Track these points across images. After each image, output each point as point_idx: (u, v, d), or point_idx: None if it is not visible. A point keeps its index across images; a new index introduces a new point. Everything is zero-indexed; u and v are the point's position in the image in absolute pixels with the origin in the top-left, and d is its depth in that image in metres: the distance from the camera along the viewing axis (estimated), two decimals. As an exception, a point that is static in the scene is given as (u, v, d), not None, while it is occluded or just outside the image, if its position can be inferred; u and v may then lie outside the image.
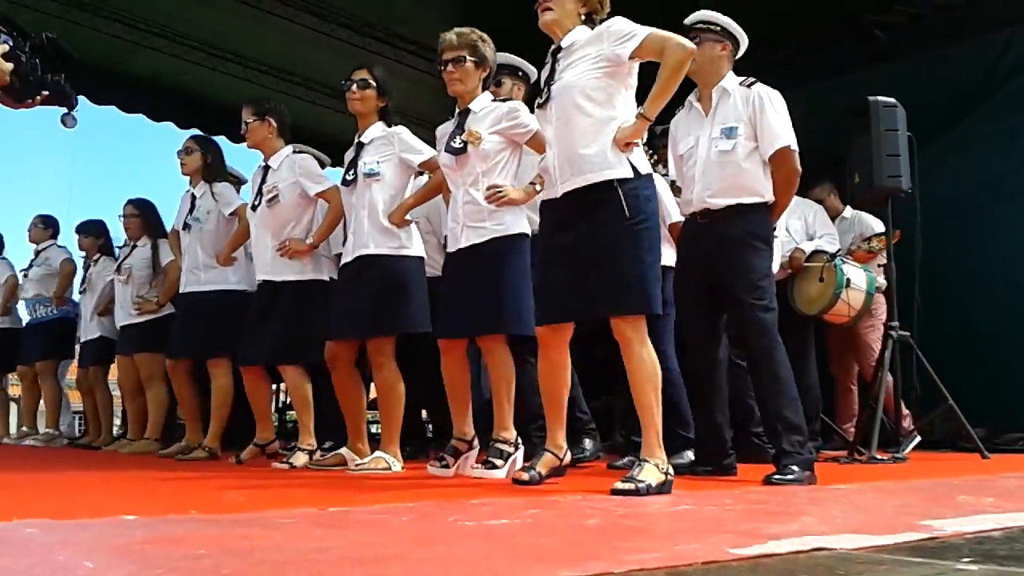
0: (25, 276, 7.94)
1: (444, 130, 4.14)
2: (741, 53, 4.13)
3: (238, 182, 6.01)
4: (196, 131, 7.59)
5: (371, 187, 4.33)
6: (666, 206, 4.63)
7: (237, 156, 7.49)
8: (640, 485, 2.93)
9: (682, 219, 4.31)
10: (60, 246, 7.98)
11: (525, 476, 3.35)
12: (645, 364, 3.14)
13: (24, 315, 8.10)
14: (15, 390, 9.81)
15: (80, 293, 7.52)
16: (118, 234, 7.46)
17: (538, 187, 3.99)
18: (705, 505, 2.75)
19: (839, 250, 5.65)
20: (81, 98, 3.57)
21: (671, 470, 3.09)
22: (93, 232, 7.44)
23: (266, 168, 4.89)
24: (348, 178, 4.43)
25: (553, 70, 3.37)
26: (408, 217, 4.35)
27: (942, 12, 7.16)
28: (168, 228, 6.11)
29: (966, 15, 6.98)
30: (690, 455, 4.26)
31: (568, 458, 3.52)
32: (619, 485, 2.95)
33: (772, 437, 3.80)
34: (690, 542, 1.88)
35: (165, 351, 5.85)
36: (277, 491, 3.33)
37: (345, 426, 4.61)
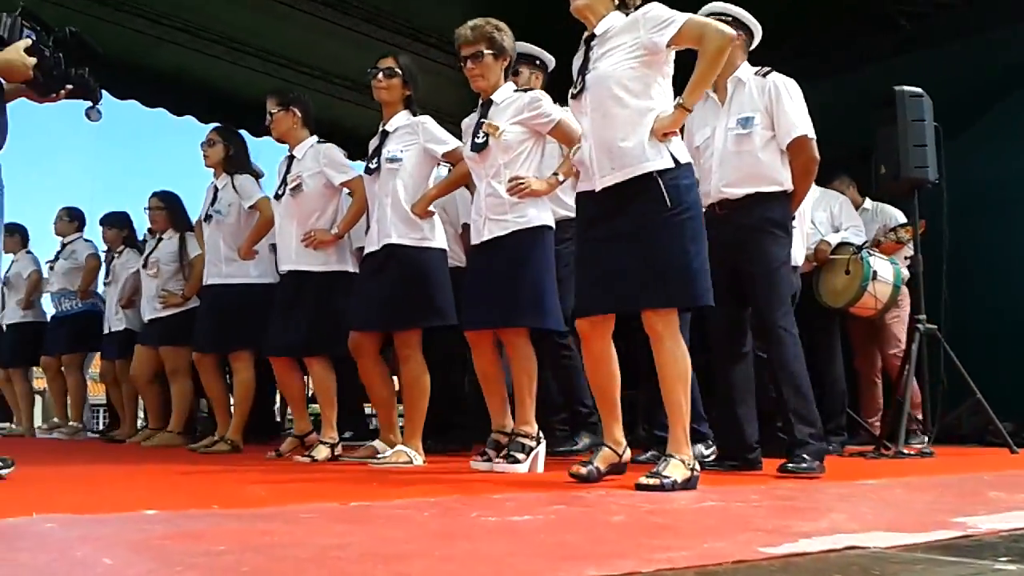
0: (51, 269, 7.98)
1: (469, 122, 4.10)
2: (755, 44, 4.08)
3: (257, 176, 6.00)
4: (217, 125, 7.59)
5: (394, 176, 4.30)
6: None
7: (258, 149, 7.47)
8: (665, 481, 2.89)
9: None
10: (87, 240, 8.00)
11: (583, 471, 3.16)
12: (676, 359, 3.08)
13: (49, 308, 8.15)
14: (39, 383, 9.88)
15: (104, 285, 7.55)
16: (142, 226, 7.50)
17: (560, 177, 3.96)
18: (732, 501, 2.70)
19: (865, 242, 5.57)
20: (104, 92, 3.56)
21: (697, 466, 3.04)
22: (117, 224, 7.47)
23: (291, 158, 4.87)
24: (372, 166, 4.40)
25: (587, 58, 3.28)
26: (430, 208, 4.31)
27: (969, 1, 7.05)
28: (194, 221, 6.12)
29: (994, 4, 6.87)
30: (701, 448, 4.21)
31: (628, 455, 3.38)
32: (644, 480, 2.91)
33: (785, 426, 3.81)
34: (718, 540, 1.84)
35: (190, 344, 5.86)
36: (299, 485, 3.31)
37: (360, 419, 4.58)
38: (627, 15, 3.25)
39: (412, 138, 4.33)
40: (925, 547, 1.83)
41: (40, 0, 6.72)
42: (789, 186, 3.91)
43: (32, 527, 1.94)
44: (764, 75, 3.96)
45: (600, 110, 3.19)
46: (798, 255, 4.57)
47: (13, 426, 8.55)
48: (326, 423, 4.75)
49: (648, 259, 3.07)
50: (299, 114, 4.87)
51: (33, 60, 3.18)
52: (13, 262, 8.30)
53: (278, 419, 8.08)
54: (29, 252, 8.37)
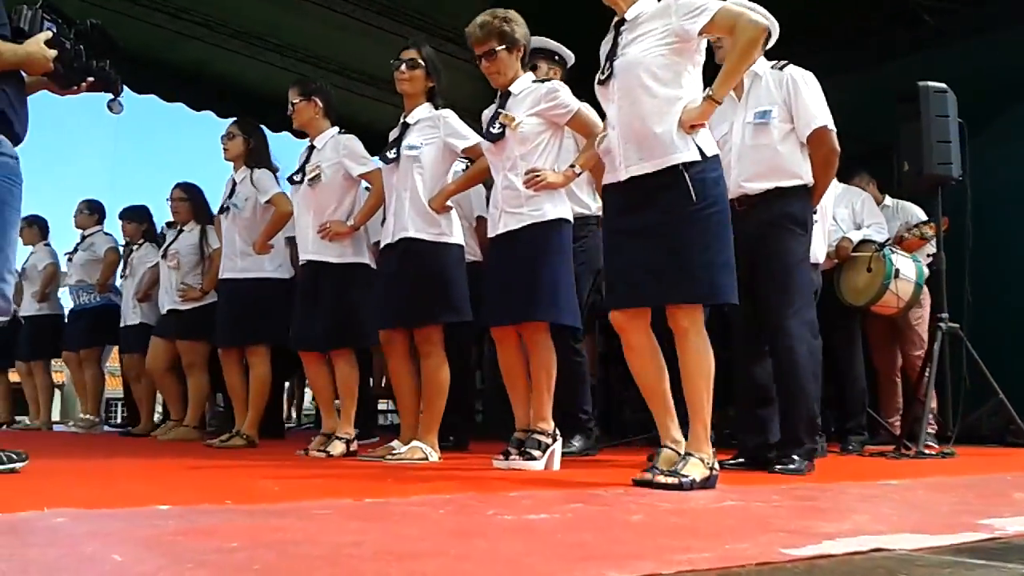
0: (69, 261, 8.00)
1: (488, 114, 4.07)
2: (773, 40, 4.03)
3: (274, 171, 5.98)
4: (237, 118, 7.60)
5: (413, 169, 4.27)
6: None
7: (276, 145, 7.47)
8: (684, 480, 2.84)
9: None
10: (106, 233, 8.03)
11: (647, 476, 2.91)
12: (700, 356, 3.01)
13: (67, 300, 8.17)
14: (58, 376, 9.92)
15: (122, 279, 7.57)
16: (161, 220, 7.51)
17: (578, 169, 3.91)
18: (752, 501, 2.66)
19: (888, 239, 5.50)
20: (124, 86, 3.56)
21: (716, 464, 2.99)
22: (136, 218, 7.48)
23: (311, 148, 4.85)
24: (390, 156, 4.37)
25: (616, 44, 3.20)
26: (448, 203, 4.28)
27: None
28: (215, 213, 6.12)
29: (1018, -1, 6.79)
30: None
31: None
32: (662, 479, 2.86)
33: (782, 422, 3.79)
34: (740, 541, 1.80)
35: (207, 339, 5.86)
36: (314, 481, 3.29)
37: (368, 415, 4.55)
38: (659, 1, 3.16)
39: (433, 131, 4.30)
40: (952, 550, 1.79)
41: (60, -6, 6.83)
42: (809, 179, 3.86)
43: (42, 521, 1.92)
44: (781, 68, 3.93)
45: (628, 97, 3.11)
46: (819, 252, 4.52)
47: (28, 420, 8.57)
48: (344, 418, 4.71)
49: (672, 254, 3.00)
50: (321, 104, 4.84)
51: (54, 52, 3.18)
52: (31, 254, 8.34)
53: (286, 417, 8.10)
54: (47, 244, 8.40)
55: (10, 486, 2.70)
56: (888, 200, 6.23)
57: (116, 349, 7.87)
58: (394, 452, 4.23)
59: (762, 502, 2.63)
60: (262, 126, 5.89)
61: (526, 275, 3.80)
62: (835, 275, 5.36)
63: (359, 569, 1.45)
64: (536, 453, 3.77)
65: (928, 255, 5.65)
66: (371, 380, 7.02)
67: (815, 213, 4.01)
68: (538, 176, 3.78)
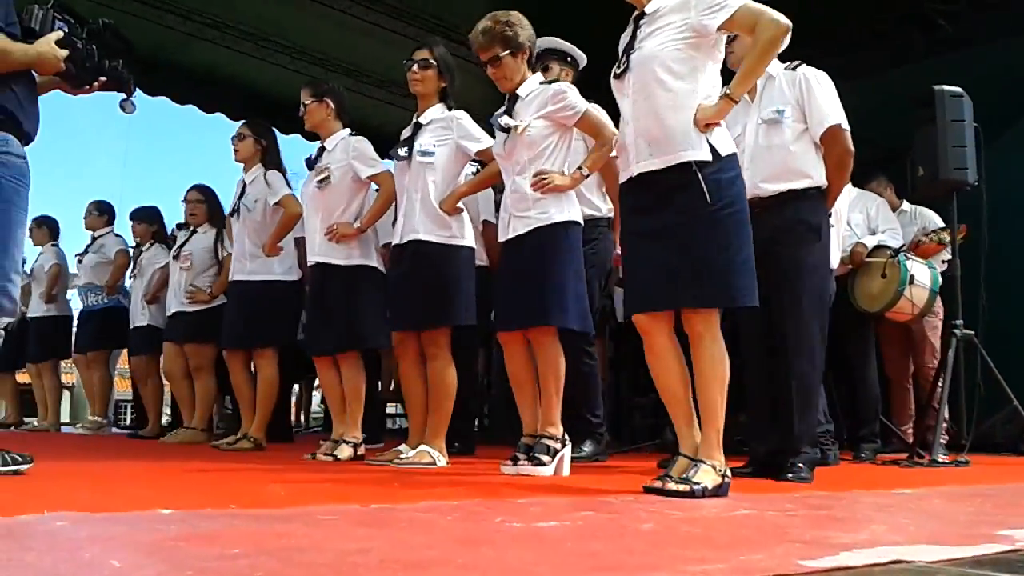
0: (79, 262, 8.00)
1: (498, 117, 4.03)
2: (786, 43, 3.99)
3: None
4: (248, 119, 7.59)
5: (425, 171, 4.24)
6: None
7: (286, 147, 7.45)
8: (696, 487, 2.79)
9: None
10: (117, 234, 8.02)
11: (658, 484, 2.86)
12: (715, 361, 2.95)
13: (77, 302, 8.16)
14: (68, 378, 9.92)
15: (131, 279, 7.56)
16: (171, 222, 7.50)
17: (585, 171, 3.87)
18: (766, 510, 2.61)
19: (903, 245, 5.44)
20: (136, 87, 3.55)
21: (728, 472, 2.94)
22: (146, 219, 7.48)
23: (322, 149, 4.83)
24: (401, 154, 4.34)
25: (634, 37, 3.14)
26: (459, 205, 4.25)
27: (1006, 1, 6.91)
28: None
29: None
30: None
31: None
32: (673, 486, 2.81)
33: (788, 431, 3.75)
34: (755, 552, 1.75)
35: (214, 342, 5.83)
36: (320, 485, 3.25)
37: (375, 419, 4.53)
38: None
39: (446, 133, 4.27)
40: (972, 562, 1.74)
41: (71, -4, 6.82)
42: (823, 181, 3.82)
43: (42, 525, 1.88)
44: (794, 68, 3.90)
45: (643, 92, 3.05)
46: (833, 258, 4.46)
47: (37, 422, 8.57)
48: (352, 422, 4.69)
49: (688, 257, 2.94)
50: (332, 106, 4.82)
51: (64, 52, 3.17)
52: (40, 255, 8.34)
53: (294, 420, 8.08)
54: (55, 245, 8.40)
55: (13, 488, 2.67)
56: (906, 205, 6.17)
57: (125, 351, 7.86)
58: (402, 456, 4.20)
59: (776, 511, 2.58)
60: (273, 128, 5.86)
61: (532, 279, 3.77)
62: (849, 281, 5.31)
63: (363, 578, 1.41)
64: (545, 459, 3.73)
65: (943, 261, 5.59)
66: (379, 384, 6.99)
67: (830, 217, 3.96)
68: (545, 179, 3.75)
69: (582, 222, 3.93)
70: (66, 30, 3.23)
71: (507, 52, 3.87)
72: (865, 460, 5.13)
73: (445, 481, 3.43)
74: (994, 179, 5.38)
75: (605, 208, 4.77)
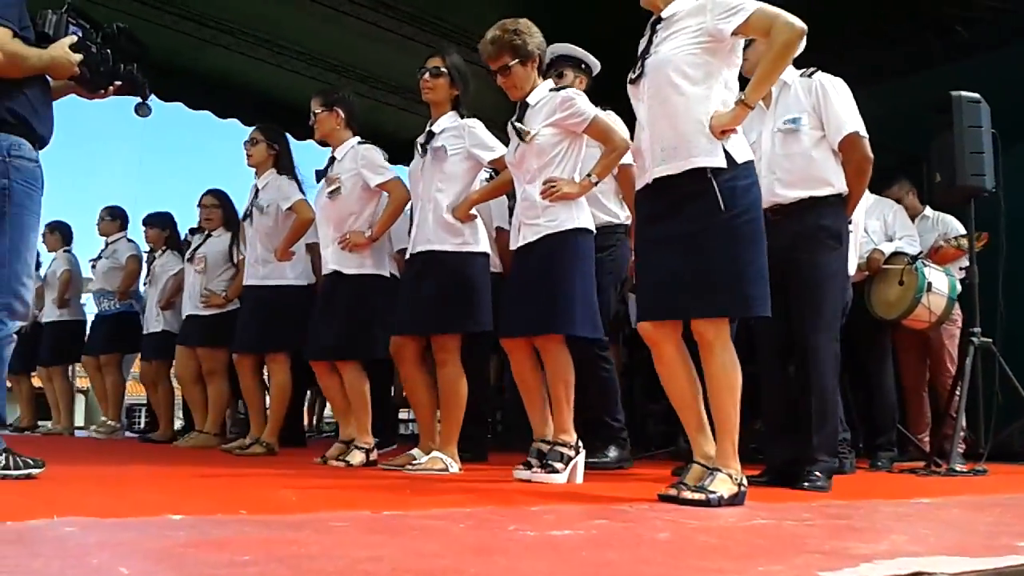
0: (93, 267, 8.02)
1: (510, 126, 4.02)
2: (802, 47, 3.95)
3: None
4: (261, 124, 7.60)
5: (436, 179, 4.22)
6: None
7: (302, 152, 7.46)
8: (711, 496, 2.75)
9: None
10: (130, 240, 8.03)
11: (672, 492, 2.84)
12: (726, 370, 2.91)
13: (92, 306, 8.19)
14: (83, 382, 9.94)
15: (145, 286, 7.57)
16: (184, 227, 7.51)
17: (594, 179, 3.84)
18: (783, 519, 2.57)
19: (920, 252, 5.39)
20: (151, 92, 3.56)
21: (745, 481, 2.90)
22: (159, 224, 7.49)
23: (332, 159, 4.81)
24: (415, 163, 4.36)
25: (650, 42, 3.11)
26: (472, 212, 4.23)
27: (1027, 5, 6.84)
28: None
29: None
30: None
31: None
32: (688, 495, 2.77)
33: (807, 439, 3.70)
34: (773, 563, 1.72)
35: (227, 346, 5.83)
36: (331, 491, 3.23)
37: (387, 423, 4.51)
38: None
39: (458, 141, 4.25)
40: (995, 574, 1.71)
41: (87, 1, 6.83)
42: (843, 188, 3.78)
43: (51, 531, 1.87)
44: (810, 75, 3.86)
45: (657, 97, 3.02)
46: (850, 265, 4.42)
47: (51, 425, 8.59)
48: (360, 428, 4.66)
49: (700, 265, 2.91)
50: (343, 115, 4.80)
51: (79, 56, 3.17)
52: (53, 260, 8.37)
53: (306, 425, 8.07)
54: (68, 251, 8.42)
55: (24, 492, 2.67)
56: (928, 211, 6.11)
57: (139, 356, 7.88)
58: (415, 463, 4.18)
59: (794, 520, 2.55)
60: (286, 134, 5.86)
61: (540, 287, 3.74)
62: (866, 288, 5.26)
63: (375, 587, 1.39)
64: (559, 466, 3.69)
65: (960, 268, 5.54)
66: (392, 389, 6.97)
67: (850, 223, 3.93)
68: (554, 187, 3.73)
69: (594, 229, 3.90)
70: (80, 34, 3.23)
71: (516, 61, 3.85)
72: (882, 469, 5.08)
73: (457, 488, 3.41)
74: (1012, 186, 5.30)
75: (623, 215, 4.74)
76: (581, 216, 3.82)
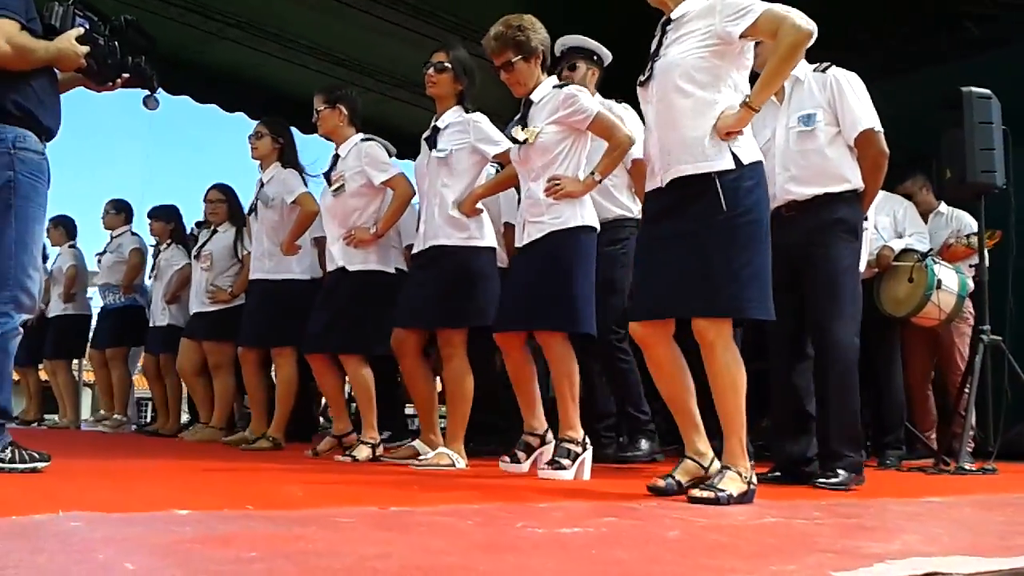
0: (98, 261, 8.02)
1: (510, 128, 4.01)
2: (812, 42, 3.92)
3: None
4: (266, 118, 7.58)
5: (441, 174, 4.21)
6: None
7: (309, 146, 7.43)
8: (720, 494, 2.73)
9: None
10: (134, 233, 8.02)
11: (661, 484, 2.93)
12: (729, 369, 2.90)
13: (99, 300, 8.18)
14: (89, 375, 9.94)
15: (150, 279, 7.56)
16: (190, 220, 7.50)
17: (598, 177, 3.83)
18: (793, 518, 2.55)
19: (931, 249, 5.35)
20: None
21: (754, 479, 2.88)
22: (164, 217, 7.47)
23: (336, 156, 4.80)
24: (421, 158, 4.35)
25: (660, 43, 3.10)
26: (479, 206, 4.21)
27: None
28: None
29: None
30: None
31: (716, 467, 2.99)
32: (697, 493, 2.76)
33: (822, 436, 3.67)
34: (785, 562, 1.70)
35: (234, 340, 5.82)
36: (338, 487, 3.21)
37: (399, 417, 4.51)
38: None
39: (463, 136, 4.24)
40: (1012, 574, 1.68)
41: (94, -6, 6.83)
42: (859, 184, 3.75)
43: (56, 525, 1.85)
44: (823, 70, 3.81)
45: (665, 100, 3.01)
46: (860, 261, 4.40)
47: (57, 419, 8.59)
48: (366, 423, 4.66)
49: (699, 264, 2.90)
50: (345, 112, 4.79)
51: (85, 48, 3.16)
52: (58, 255, 8.36)
53: (320, 419, 8.05)
54: (73, 246, 8.41)
55: (29, 486, 2.65)
56: (943, 207, 6.06)
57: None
58: (421, 458, 4.16)
59: (804, 519, 2.53)
60: (292, 127, 5.84)
61: (541, 282, 3.74)
62: (875, 285, 5.22)
63: (383, 585, 1.37)
64: (566, 462, 3.68)
65: (970, 266, 5.50)
66: (400, 384, 6.95)
67: (865, 219, 3.89)
68: (558, 184, 3.71)
69: (598, 227, 3.89)
70: (87, 27, 3.22)
71: (519, 57, 3.84)
72: (890, 467, 5.05)
73: (464, 484, 3.40)
74: (1022, 182, 5.28)
75: (635, 209, 4.72)
76: (585, 214, 3.81)
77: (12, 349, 3.07)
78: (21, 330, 3.10)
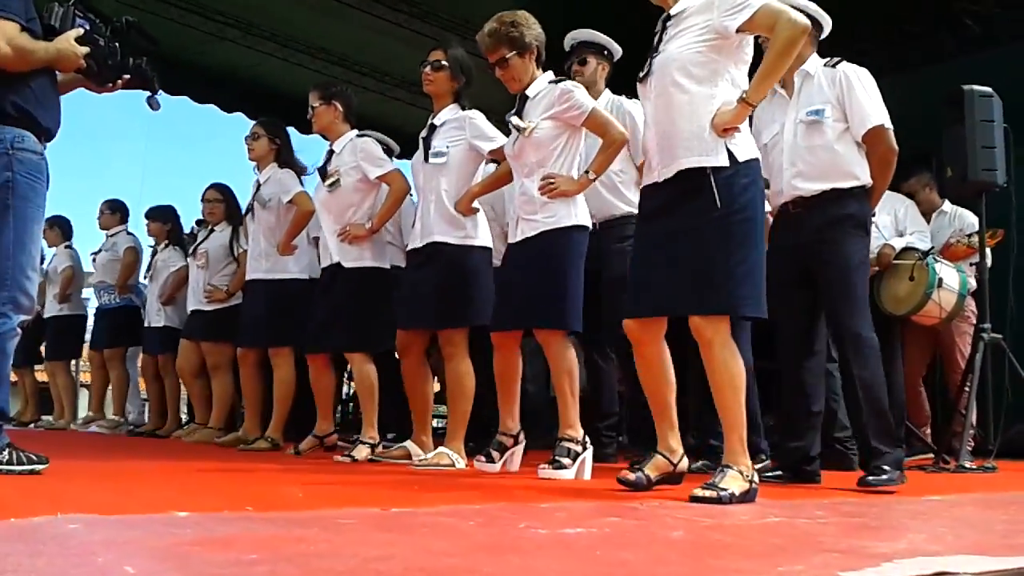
0: (94, 261, 8.00)
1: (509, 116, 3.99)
2: (825, 34, 3.89)
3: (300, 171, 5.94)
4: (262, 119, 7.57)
5: (438, 172, 4.21)
6: None
7: (307, 146, 7.42)
8: (722, 493, 2.72)
9: (768, 210, 4.13)
10: (129, 233, 8.01)
11: (631, 477, 3.00)
12: (727, 367, 2.89)
13: (93, 299, 8.17)
14: (85, 376, 9.92)
15: (147, 280, 7.54)
16: (188, 221, 7.48)
17: (592, 175, 3.82)
18: (796, 517, 2.53)
19: (932, 248, 5.34)
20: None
21: (756, 477, 2.87)
22: (161, 218, 7.45)
23: (330, 152, 4.80)
24: (418, 156, 4.35)
25: (660, 39, 3.09)
26: (475, 205, 4.20)
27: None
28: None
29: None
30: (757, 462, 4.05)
31: (684, 464, 3.13)
32: (699, 492, 2.74)
33: (860, 437, 3.64)
34: (792, 562, 1.68)
35: (232, 340, 5.81)
36: (337, 487, 3.20)
37: (406, 418, 4.50)
38: None
39: (459, 133, 4.23)
40: (1018, 574, 1.67)
41: (92, -6, 6.81)
42: (867, 180, 3.70)
43: (55, 528, 1.83)
44: (833, 65, 3.76)
45: (663, 96, 3.00)
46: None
47: (53, 419, 8.57)
48: (367, 422, 4.65)
49: (694, 262, 2.90)
50: (340, 108, 4.79)
51: (84, 49, 3.14)
52: (54, 256, 8.34)
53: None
54: (69, 247, 8.39)
55: (28, 488, 2.63)
56: (947, 206, 6.05)
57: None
58: (421, 459, 4.15)
59: (807, 518, 2.51)
60: (292, 128, 5.85)
61: (535, 280, 3.74)
62: (875, 283, 5.20)
63: (387, 587, 1.35)
64: (566, 461, 3.66)
65: (971, 264, 5.49)
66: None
67: (874, 215, 3.86)
68: (552, 184, 3.70)
69: (590, 225, 3.89)
70: (87, 27, 3.20)
71: (514, 53, 3.83)
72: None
73: (465, 484, 3.38)
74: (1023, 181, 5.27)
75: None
76: (579, 213, 3.81)
77: (10, 350, 3.05)
78: (19, 331, 3.08)
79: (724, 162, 2.90)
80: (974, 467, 4.63)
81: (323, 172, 4.78)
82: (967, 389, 4.93)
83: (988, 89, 4.97)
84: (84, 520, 1.93)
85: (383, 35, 8.56)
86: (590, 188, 3.87)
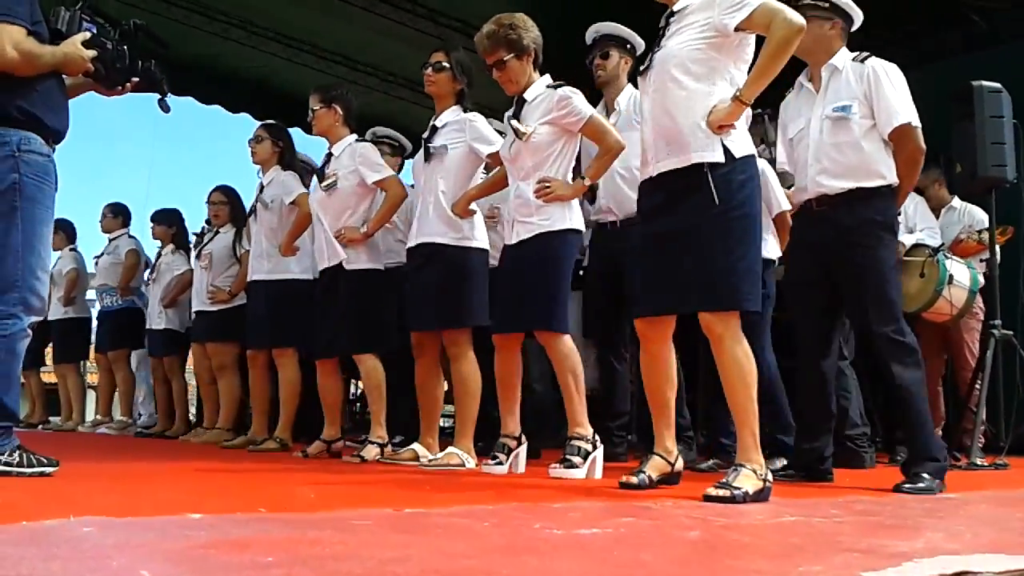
0: (96, 264, 8.02)
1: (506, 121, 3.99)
2: (856, 27, 3.81)
3: (312, 171, 5.93)
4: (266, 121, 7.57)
5: (437, 173, 4.22)
6: (774, 193, 4.41)
7: (312, 147, 7.41)
8: (736, 492, 2.70)
9: (789, 208, 4.09)
10: (131, 236, 8.04)
11: (634, 480, 3.01)
12: (738, 362, 2.88)
13: (97, 302, 8.18)
14: (93, 378, 9.93)
15: (150, 282, 7.55)
16: (193, 224, 7.48)
17: (587, 181, 3.83)
18: (812, 516, 2.51)
19: (942, 244, 5.31)
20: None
21: (770, 476, 2.85)
22: (166, 221, 7.45)
23: (329, 155, 4.83)
24: (418, 157, 4.36)
25: (662, 36, 3.09)
26: (472, 207, 4.21)
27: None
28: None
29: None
30: (781, 463, 4.01)
31: (680, 464, 3.17)
32: (713, 491, 2.73)
33: (899, 442, 3.58)
34: (812, 562, 1.67)
35: (237, 341, 5.80)
36: (350, 488, 3.18)
37: (414, 421, 4.49)
38: None
39: (459, 135, 4.24)
40: (1038, 572, 1.65)
41: (98, -4, 6.80)
42: (894, 179, 3.57)
43: (68, 531, 1.81)
44: (862, 60, 3.64)
45: (661, 91, 3.02)
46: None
47: (60, 421, 8.58)
48: (375, 422, 4.64)
49: (695, 259, 2.91)
50: (340, 112, 4.80)
51: (92, 53, 3.14)
52: (58, 259, 8.35)
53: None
54: (73, 249, 8.42)
55: (38, 491, 2.62)
56: (956, 202, 6.02)
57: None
58: (431, 459, 4.14)
59: (823, 517, 2.49)
60: (297, 129, 5.86)
61: (529, 283, 3.74)
62: (884, 280, 5.18)
63: (405, 589, 1.34)
64: (577, 460, 3.64)
65: (981, 260, 5.46)
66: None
67: (899, 214, 3.80)
68: (548, 188, 3.70)
69: (583, 229, 3.91)
70: (94, 31, 3.19)
71: (511, 55, 3.83)
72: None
73: (477, 484, 3.37)
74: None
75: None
76: (573, 216, 3.82)
77: (20, 351, 3.05)
78: (30, 332, 3.07)
79: (720, 158, 2.92)
80: (986, 464, 4.61)
81: (320, 174, 4.79)
82: (978, 386, 4.90)
83: (997, 85, 4.93)
84: (97, 523, 1.92)
85: (387, 35, 8.55)
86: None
